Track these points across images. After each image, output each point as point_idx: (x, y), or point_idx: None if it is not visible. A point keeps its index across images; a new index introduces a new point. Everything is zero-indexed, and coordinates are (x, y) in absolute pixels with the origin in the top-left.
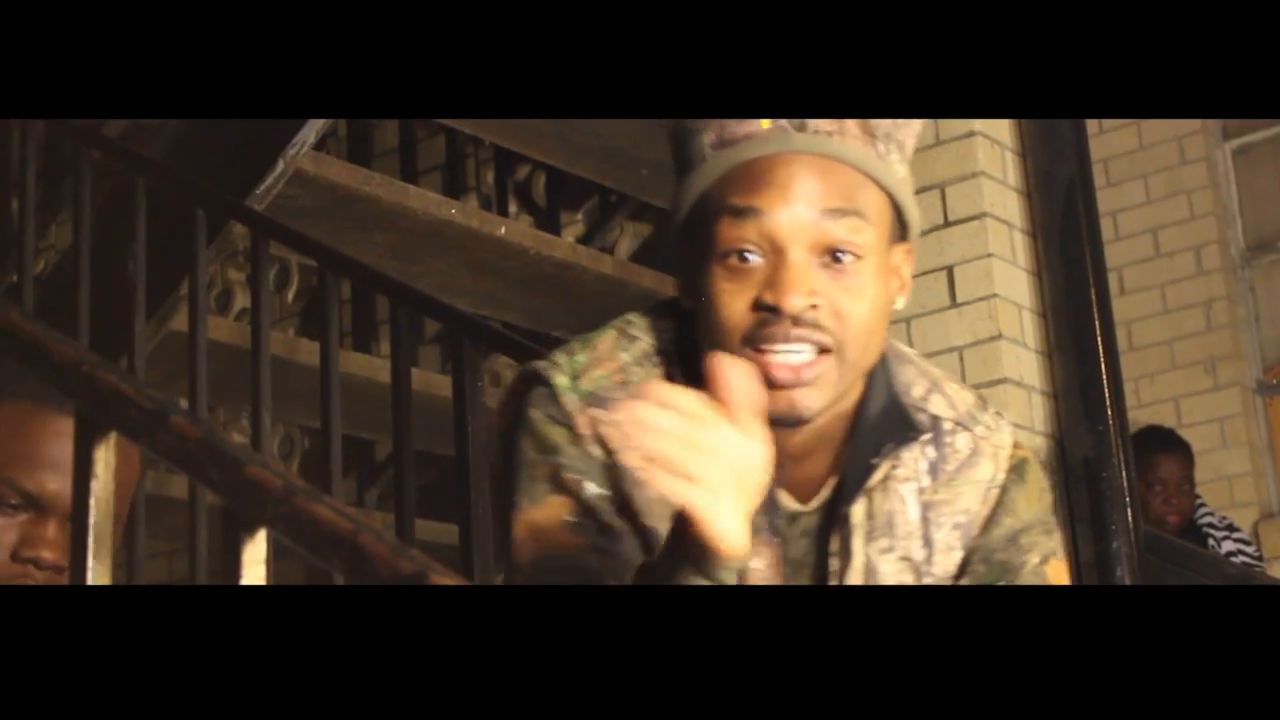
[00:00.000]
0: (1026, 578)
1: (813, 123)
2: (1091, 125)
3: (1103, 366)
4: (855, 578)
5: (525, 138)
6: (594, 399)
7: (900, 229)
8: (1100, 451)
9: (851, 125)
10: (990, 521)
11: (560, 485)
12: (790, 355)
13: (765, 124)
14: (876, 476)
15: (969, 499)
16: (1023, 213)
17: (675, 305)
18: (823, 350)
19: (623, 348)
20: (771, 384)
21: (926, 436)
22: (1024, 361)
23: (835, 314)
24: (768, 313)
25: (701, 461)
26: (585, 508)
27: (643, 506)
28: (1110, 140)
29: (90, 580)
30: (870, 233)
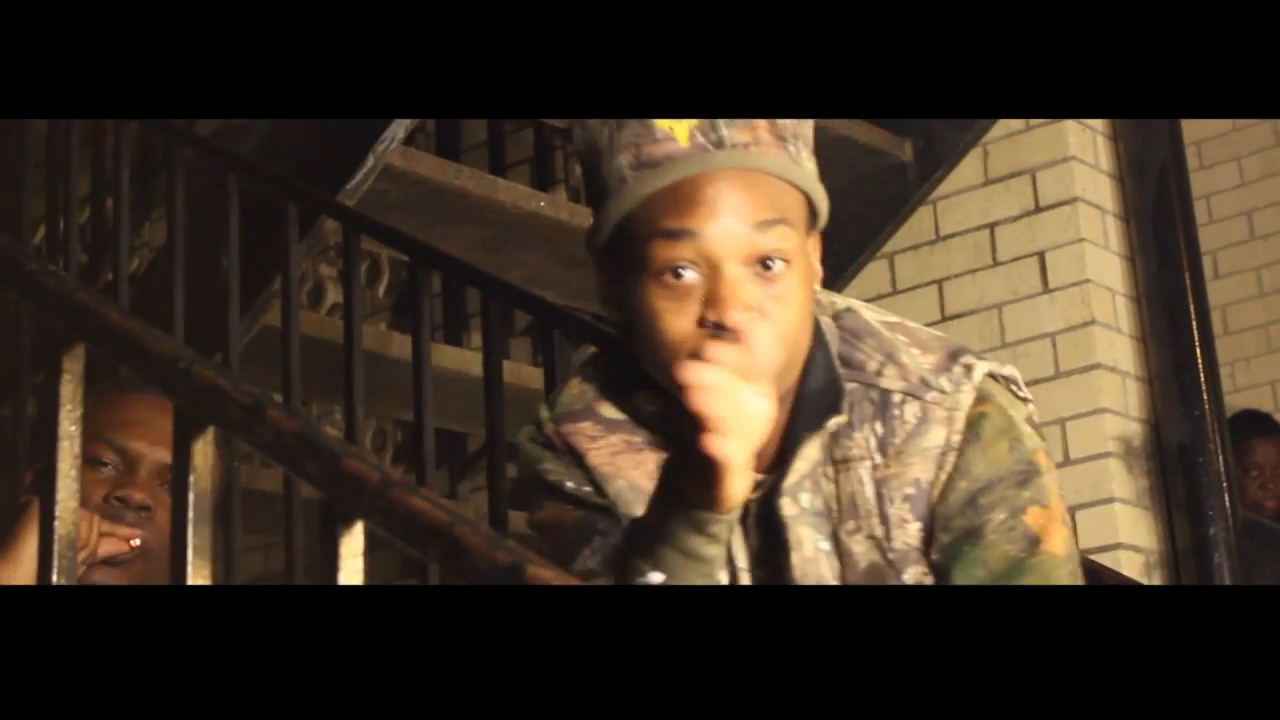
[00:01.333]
0: (995, 538)
1: (728, 135)
2: None
3: (1198, 351)
4: (808, 567)
5: None
6: (563, 417)
7: (812, 220)
8: (1196, 437)
9: (764, 131)
10: (946, 488)
11: (549, 488)
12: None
13: (683, 140)
14: (802, 467)
15: (918, 469)
16: (1115, 197)
17: (601, 353)
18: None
19: (585, 378)
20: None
21: (867, 415)
22: (1118, 347)
23: (769, 324)
24: (713, 329)
25: (736, 416)
26: (570, 499)
27: (614, 497)
28: (1203, 123)
29: (190, 574)
30: (795, 237)
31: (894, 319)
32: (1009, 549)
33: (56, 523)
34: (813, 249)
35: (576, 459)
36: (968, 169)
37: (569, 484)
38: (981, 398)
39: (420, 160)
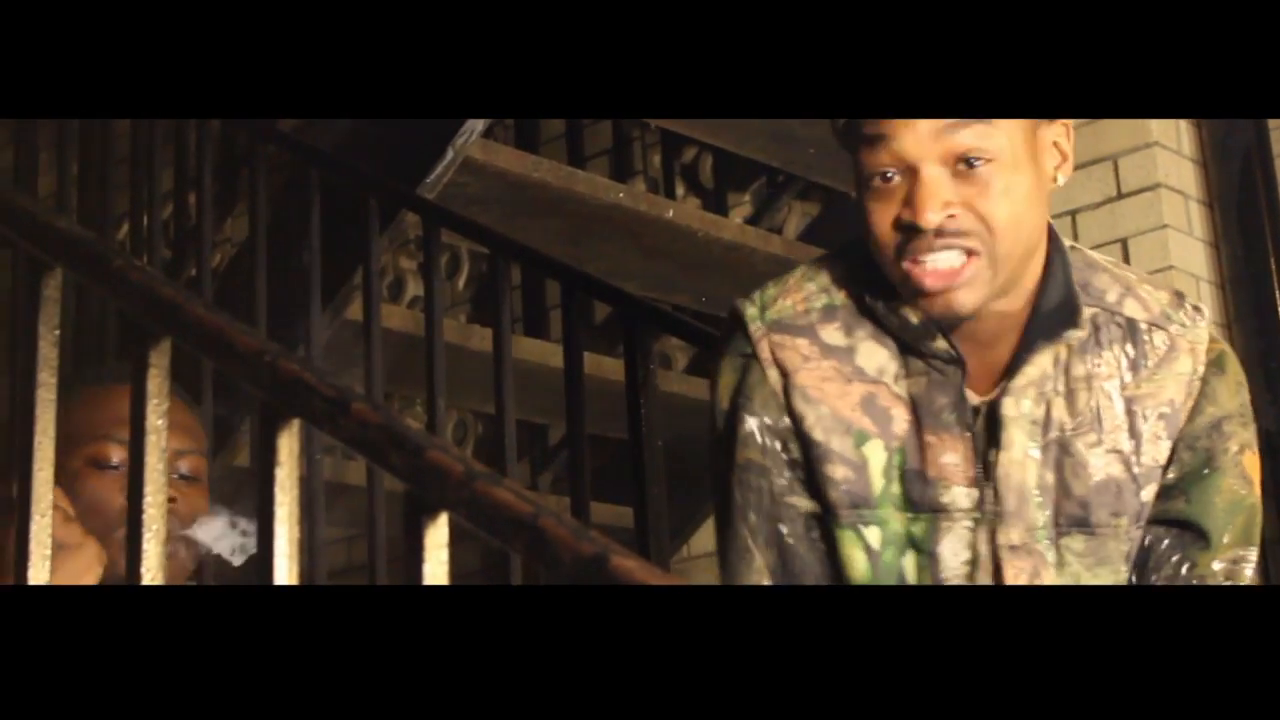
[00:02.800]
0: (1227, 465)
1: None
2: None
3: None
4: (1010, 468)
5: (691, 120)
6: (777, 326)
7: None
8: None
9: None
10: (1194, 411)
11: (742, 420)
12: (939, 262)
13: None
14: (1032, 373)
15: (1171, 390)
16: (1198, 182)
17: (857, 241)
18: (970, 253)
19: (808, 278)
20: (926, 292)
21: (1115, 338)
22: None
23: (977, 218)
24: (909, 230)
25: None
26: (761, 440)
27: (814, 423)
28: None
29: (278, 569)
30: (999, 135)
31: (1113, 260)
32: (1235, 484)
33: (145, 518)
34: (1059, 135)
35: (781, 374)
36: None
37: (750, 420)
38: (1213, 337)
39: (499, 153)
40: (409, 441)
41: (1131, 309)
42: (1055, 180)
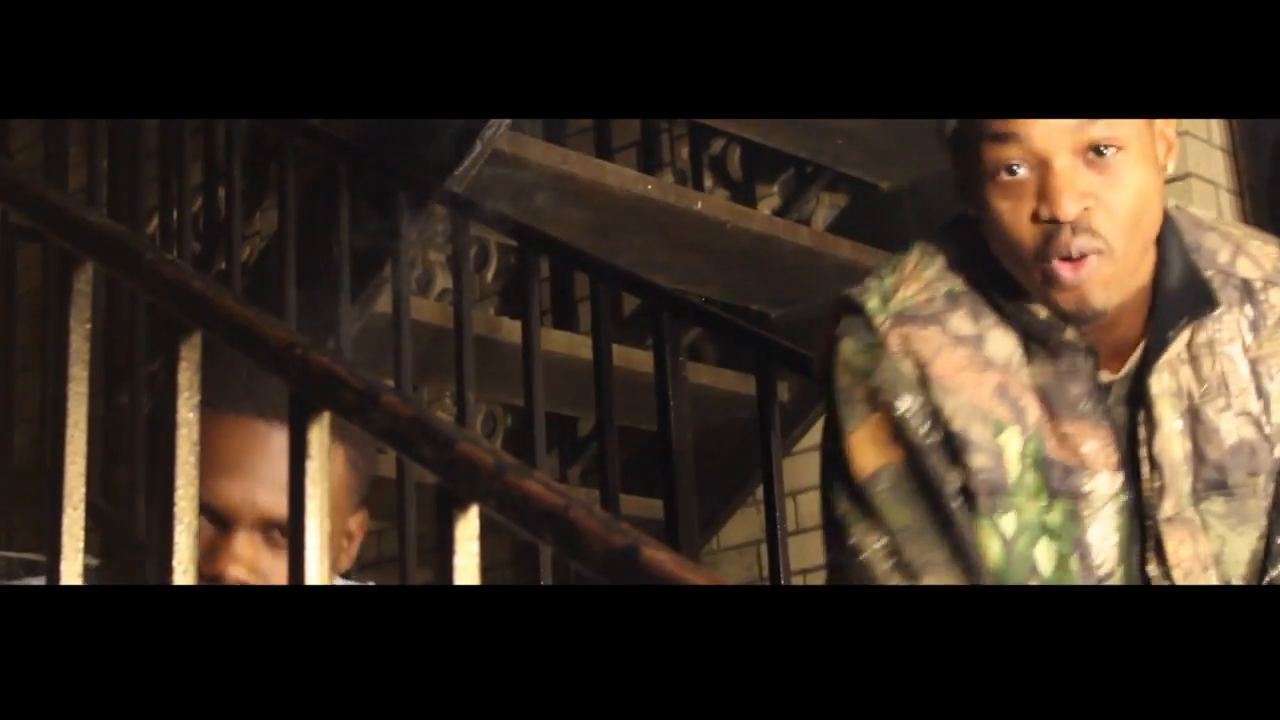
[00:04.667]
0: None
1: None
2: None
3: None
4: (1164, 443)
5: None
6: (903, 317)
7: None
8: None
9: None
10: None
11: (876, 404)
12: (1076, 257)
13: None
14: (1174, 349)
15: None
16: (1229, 172)
17: (964, 219)
18: (1101, 251)
19: (925, 265)
20: (1060, 287)
21: (1233, 300)
22: None
23: (1108, 212)
24: (1048, 224)
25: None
26: (899, 423)
27: (952, 412)
28: None
29: (309, 564)
30: (1127, 124)
31: (1212, 215)
32: None
33: (176, 511)
34: (1164, 125)
35: (916, 365)
36: None
37: (901, 402)
38: None
39: (527, 145)
40: (439, 434)
41: (1245, 268)
42: (1166, 169)
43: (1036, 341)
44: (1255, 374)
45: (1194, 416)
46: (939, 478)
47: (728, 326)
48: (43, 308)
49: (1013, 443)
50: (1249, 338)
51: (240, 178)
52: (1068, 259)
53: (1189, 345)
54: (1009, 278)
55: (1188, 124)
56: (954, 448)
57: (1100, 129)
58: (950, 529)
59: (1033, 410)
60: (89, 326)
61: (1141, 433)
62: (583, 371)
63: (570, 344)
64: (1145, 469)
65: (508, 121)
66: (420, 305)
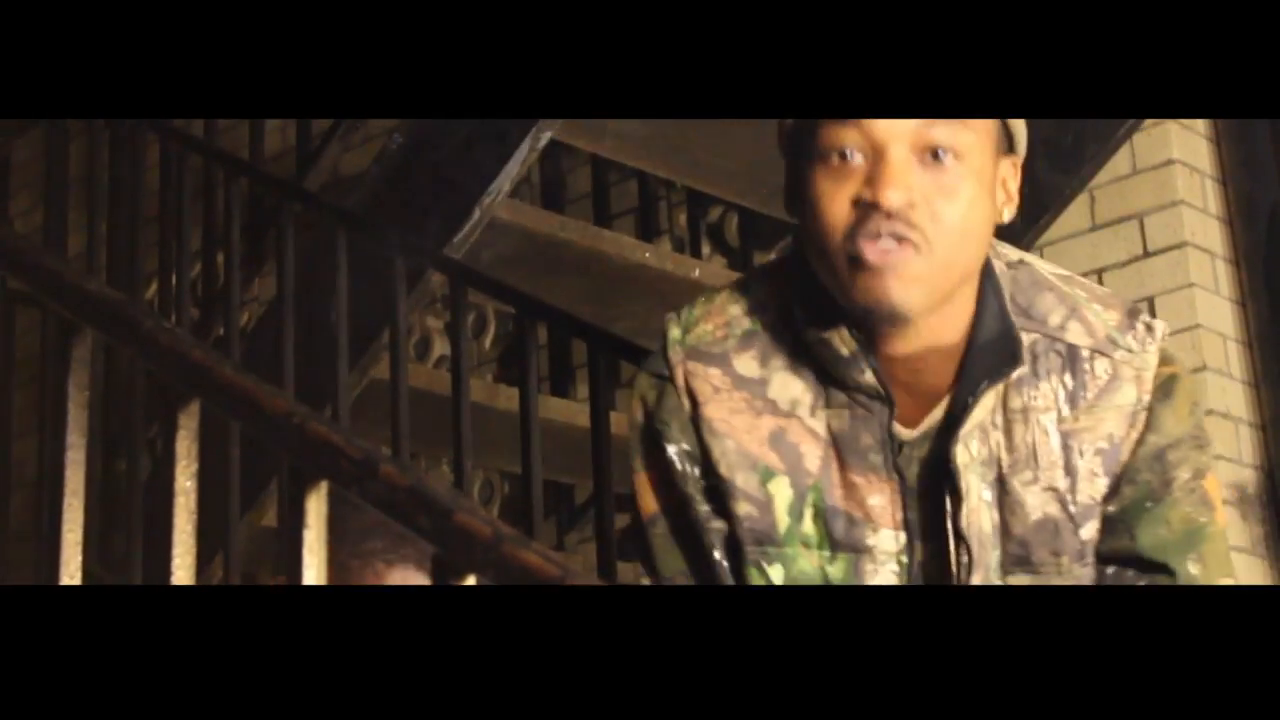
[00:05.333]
0: (1178, 494)
1: None
2: None
3: None
4: (972, 515)
5: (717, 179)
6: (694, 352)
7: (1007, 141)
8: None
9: None
10: (1137, 443)
11: (656, 444)
12: (887, 244)
13: None
14: (979, 414)
15: (1111, 424)
16: (1225, 241)
17: (787, 257)
18: (916, 248)
19: (731, 300)
20: (863, 268)
21: (1054, 367)
22: (1230, 393)
23: (931, 214)
24: (867, 208)
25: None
26: (670, 465)
27: (719, 457)
28: None
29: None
30: (971, 136)
31: (1065, 272)
32: (1190, 511)
33: (172, 580)
34: (1010, 173)
35: (692, 404)
36: (1074, 214)
37: (670, 447)
38: (1165, 359)
39: (525, 213)
40: (437, 504)
41: (1074, 334)
42: (1001, 216)
43: (834, 383)
44: (1066, 448)
45: (1001, 487)
46: (702, 526)
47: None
48: (41, 373)
49: (782, 492)
50: (1065, 409)
51: (239, 243)
52: (876, 238)
53: (1003, 410)
54: (815, 310)
55: (1184, 193)
56: (721, 494)
57: (943, 131)
58: (713, 579)
59: (814, 458)
60: (87, 394)
61: (948, 504)
62: (580, 439)
63: (568, 411)
64: (951, 542)
65: (506, 189)
66: (418, 372)
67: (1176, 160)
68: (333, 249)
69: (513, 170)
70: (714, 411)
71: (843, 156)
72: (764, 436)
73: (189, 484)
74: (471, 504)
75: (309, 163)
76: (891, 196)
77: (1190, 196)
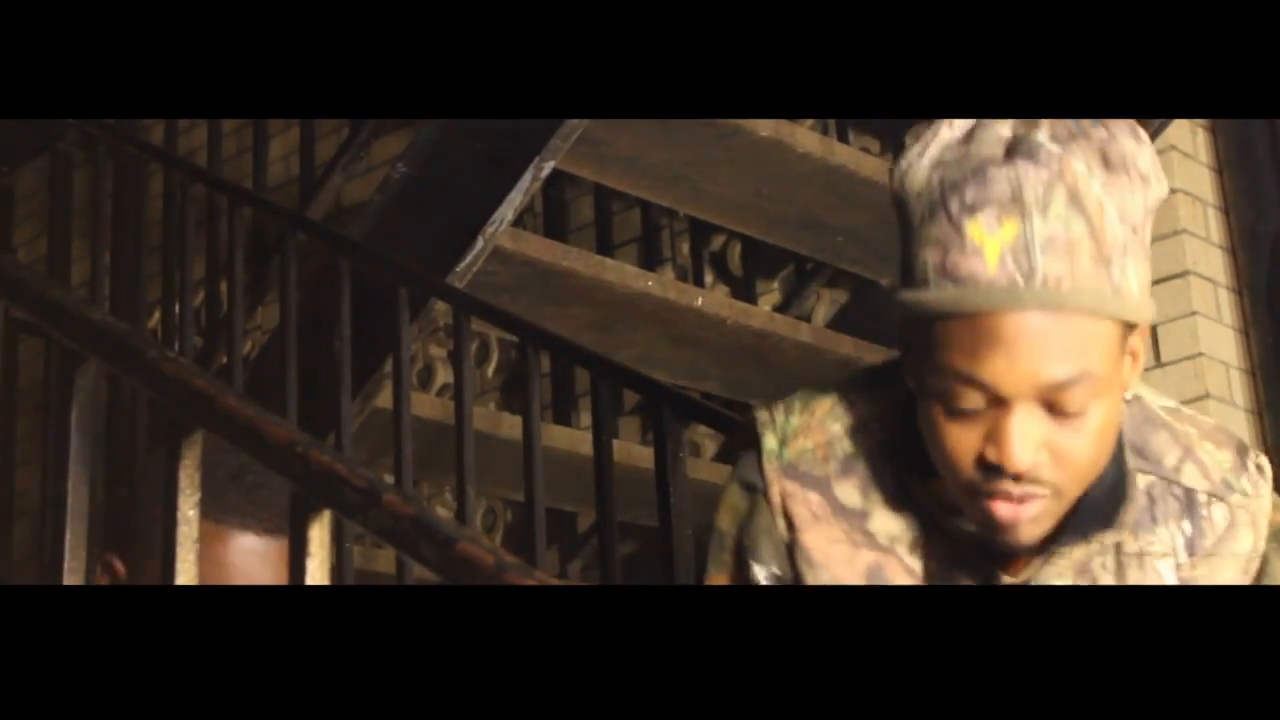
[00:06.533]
0: None
1: (1041, 264)
2: None
3: None
4: None
5: (719, 208)
6: (791, 470)
7: (1130, 323)
8: None
9: (1084, 256)
10: None
11: (739, 560)
12: (1011, 504)
13: (992, 263)
14: (1072, 554)
15: (1228, 573)
16: (1227, 269)
17: (894, 365)
18: (1040, 498)
19: (836, 417)
20: (993, 524)
21: (1171, 512)
22: (1233, 421)
23: (1058, 459)
24: (992, 469)
25: None
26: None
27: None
28: None
29: None
30: (1098, 384)
31: (1172, 403)
32: None
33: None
34: (1133, 356)
35: (789, 528)
36: None
37: (759, 569)
38: (1277, 504)
39: (528, 241)
40: (440, 534)
41: (1191, 477)
42: (1129, 387)
43: (936, 528)
44: None
45: None
46: None
47: (728, 423)
48: (44, 402)
49: None
50: (1184, 556)
51: (242, 272)
52: (1006, 498)
53: (1118, 553)
54: (925, 472)
55: (1186, 222)
56: None
57: (1068, 399)
58: None
59: None
60: (91, 423)
61: None
62: (583, 467)
63: (570, 440)
64: None
65: (509, 217)
66: (421, 400)
67: (1179, 190)
68: (336, 278)
69: (516, 199)
70: (812, 540)
71: (964, 414)
72: (861, 570)
73: (192, 513)
74: (474, 533)
75: (312, 192)
76: (1018, 462)
77: (1192, 226)
